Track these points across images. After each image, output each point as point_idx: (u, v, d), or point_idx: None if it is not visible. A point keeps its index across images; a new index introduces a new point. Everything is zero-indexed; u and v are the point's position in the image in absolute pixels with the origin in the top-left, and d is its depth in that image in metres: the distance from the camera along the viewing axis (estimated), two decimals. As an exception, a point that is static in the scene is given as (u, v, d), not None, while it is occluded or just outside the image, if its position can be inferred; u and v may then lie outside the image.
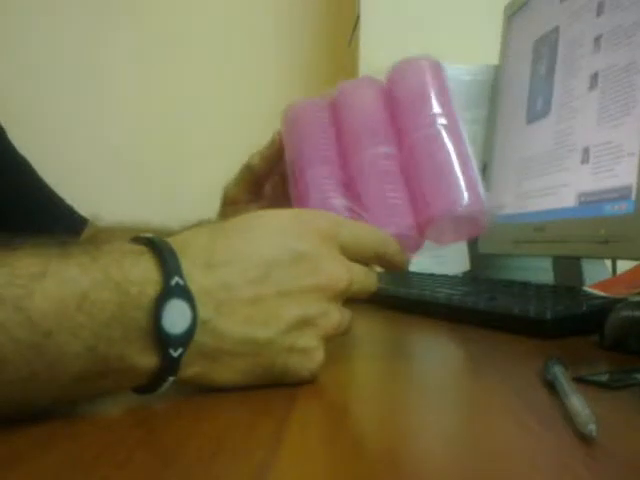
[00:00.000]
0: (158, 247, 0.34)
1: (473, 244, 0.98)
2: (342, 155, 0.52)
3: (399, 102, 0.52)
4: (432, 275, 0.93)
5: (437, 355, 0.54)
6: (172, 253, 0.34)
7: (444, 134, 0.48)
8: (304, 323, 0.37)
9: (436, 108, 0.49)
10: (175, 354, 0.33)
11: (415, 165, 0.49)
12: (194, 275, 0.34)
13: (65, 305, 0.30)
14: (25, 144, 0.86)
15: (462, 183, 0.46)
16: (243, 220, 0.39)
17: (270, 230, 0.38)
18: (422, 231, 0.47)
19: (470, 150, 0.49)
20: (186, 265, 0.34)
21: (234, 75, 1.77)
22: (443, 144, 0.48)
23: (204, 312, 0.34)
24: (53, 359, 0.30)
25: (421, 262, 0.98)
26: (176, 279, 0.33)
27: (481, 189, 0.47)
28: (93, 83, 1.76)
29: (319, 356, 0.38)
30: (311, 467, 0.26)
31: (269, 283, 0.36)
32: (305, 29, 1.78)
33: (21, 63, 1.74)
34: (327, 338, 0.39)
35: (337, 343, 0.52)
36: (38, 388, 0.30)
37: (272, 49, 1.78)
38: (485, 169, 0.96)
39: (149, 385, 0.34)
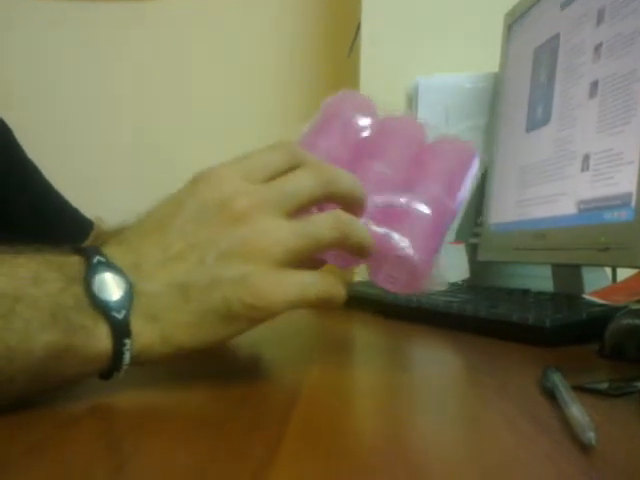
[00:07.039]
0: (77, 246, 0.37)
1: (473, 251, 0.98)
2: (350, 160, 0.51)
3: (432, 159, 0.51)
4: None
5: (436, 363, 0.54)
6: (91, 246, 0.37)
7: (441, 208, 0.49)
8: (221, 253, 0.37)
9: (457, 187, 0.50)
10: (120, 316, 0.35)
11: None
12: (112, 253, 0.37)
13: (21, 283, 0.33)
14: (28, 148, 0.87)
15: (422, 244, 0.47)
16: None
17: (165, 200, 0.41)
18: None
19: (447, 230, 0.49)
20: (104, 249, 0.37)
21: (233, 84, 1.77)
22: (432, 211, 0.48)
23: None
24: (22, 331, 0.32)
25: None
26: (97, 257, 0.36)
27: (435, 259, 0.48)
28: (94, 84, 1.76)
29: (258, 280, 0.37)
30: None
31: (174, 236, 0.38)
32: (305, 38, 1.78)
33: (25, 67, 1.74)
34: (267, 258, 0.38)
35: (336, 351, 0.51)
36: (14, 363, 0.32)
37: (272, 58, 1.78)
38: (485, 176, 0.96)
39: (112, 365, 0.35)
